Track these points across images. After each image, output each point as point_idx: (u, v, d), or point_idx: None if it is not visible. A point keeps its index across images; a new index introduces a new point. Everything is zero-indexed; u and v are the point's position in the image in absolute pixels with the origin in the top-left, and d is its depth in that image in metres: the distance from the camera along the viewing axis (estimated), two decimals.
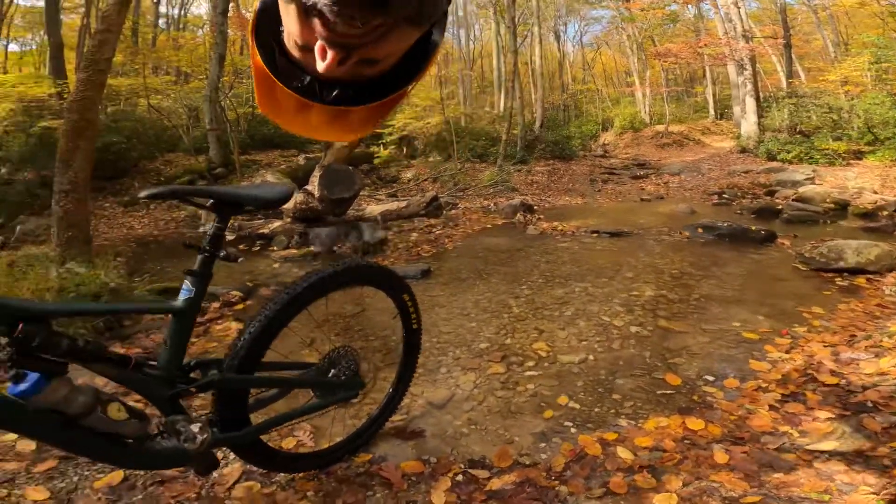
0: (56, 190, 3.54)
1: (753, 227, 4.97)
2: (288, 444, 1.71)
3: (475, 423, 1.87)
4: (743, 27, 12.93)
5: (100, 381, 1.47)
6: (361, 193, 9.14)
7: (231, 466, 1.52)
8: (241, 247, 5.61)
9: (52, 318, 0.91)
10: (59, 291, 2.56)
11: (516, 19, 12.13)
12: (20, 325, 0.83)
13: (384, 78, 0.44)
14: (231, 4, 12.40)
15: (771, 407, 1.87)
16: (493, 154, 10.71)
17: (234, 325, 2.99)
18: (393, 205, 5.94)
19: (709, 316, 2.89)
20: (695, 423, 1.80)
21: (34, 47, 19.00)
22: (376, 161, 10.65)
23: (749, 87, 12.67)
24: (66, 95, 8.81)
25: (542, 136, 12.60)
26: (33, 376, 0.85)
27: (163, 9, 19.62)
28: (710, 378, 2.16)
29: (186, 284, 1.15)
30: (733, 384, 2.11)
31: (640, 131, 17.56)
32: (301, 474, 1.52)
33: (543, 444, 1.74)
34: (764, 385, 2.06)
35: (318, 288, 1.37)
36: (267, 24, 0.45)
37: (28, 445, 1.60)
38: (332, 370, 1.51)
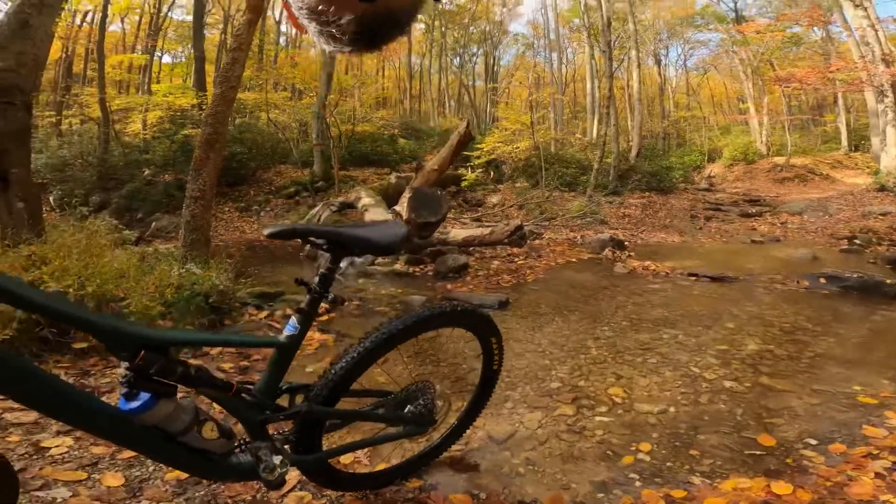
0: (187, 195, 4.08)
1: (889, 280, 4.27)
2: (345, 459, 1.76)
3: (533, 463, 1.80)
4: (882, 50, 11.40)
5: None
6: (447, 216, 9.37)
7: (288, 475, 1.59)
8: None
9: (171, 346, 1.00)
10: (178, 288, 2.93)
11: (612, 43, 11.79)
12: (142, 353, 0.91)
13: None
14: None
15: (877, 475, 1.63)
16: (582, 183, 10.41)
17: (318, 336, 3.18)
18: (477, 231, 6.01)
19: (822, 376, 2.55)
20: (781, 488, 1.59)
21: (183, 59, 21.77)
22: (463, 184, 10.85)
23: (890, 115, 11.09)
24: (204, 107, 10.07)
25: (638, 166, 12.00)
26: (144, 396, 0.94)
27: (283, 27, 21.93)
28: (812, 441, 1.92)
29: (292, 321, 1.21)
30: (839, 449, 1.85)
31: (753, 163, 16.04)
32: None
33: (602, 495, 1.62)
34: (875, 452, 1.79)
35: (413, 329, 1.41)
36: None
37: None
38: (409, 405, 1.52)
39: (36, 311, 0.96)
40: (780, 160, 15.30)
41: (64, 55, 15.67)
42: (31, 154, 3.52)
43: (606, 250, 6.10)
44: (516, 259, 5.78)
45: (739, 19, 18.35)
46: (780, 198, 11.76)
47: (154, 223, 8.84)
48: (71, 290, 2.50)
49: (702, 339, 3.14)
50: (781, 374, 2.59)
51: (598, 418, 2.14)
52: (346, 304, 3.98)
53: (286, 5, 0.51)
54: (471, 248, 6.06)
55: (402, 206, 5.48)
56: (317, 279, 1.21)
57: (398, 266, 5.31)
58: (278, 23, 20.81)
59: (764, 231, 8.36)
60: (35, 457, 1.67)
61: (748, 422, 2.09)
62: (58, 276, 2.56)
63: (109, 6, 13.06)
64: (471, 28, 24.27)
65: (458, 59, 25.76)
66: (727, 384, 2.46)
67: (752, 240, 7.56)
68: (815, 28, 15.88)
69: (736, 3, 19.05)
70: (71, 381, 2.26)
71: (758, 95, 18.45)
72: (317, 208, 8.28)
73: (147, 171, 10.32)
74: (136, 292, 2.73)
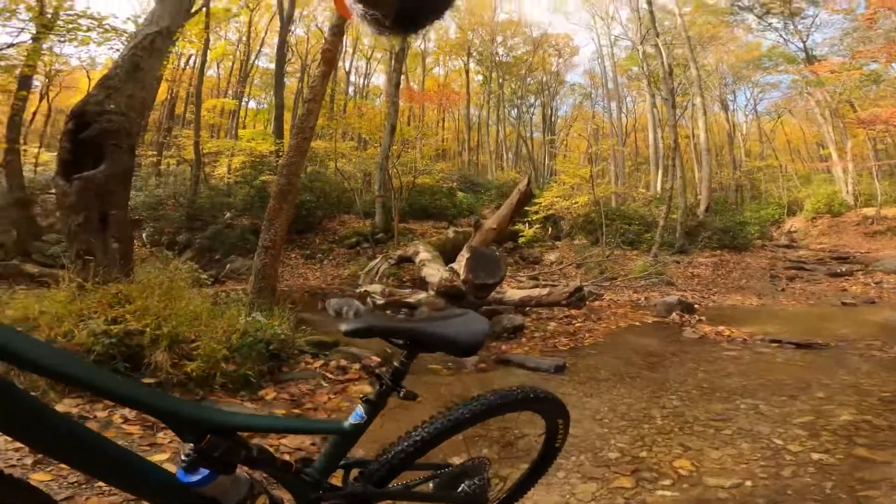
0: (259, 244, 4.34)
1: None
2: None
3: None
4: None
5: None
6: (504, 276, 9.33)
7: None
8: (387, 313, 6.06)
9: (237, 431, 1.02)
10: (242, 334, 3.07)
11: (674, 90, 11.55)
12: (208, 437, 0.94)
13: None
14: (402, 77, 14.14)
15: None
16: (646, 241, 10.01)
17: (369, 389, 3.19)
18: (534, 291, 5.91)
19: None
20: None
21: (265, 106, 23.51)
22: (521, 240, 10.79)
23: None
24: (281, 154, 10.55)
25: (708, 222, 11.38)
26: (204, 471, 0.96)
27: (352, 77, 23.55)
28: None
29: (359, 410, 1.20)
30: None
31: (840, 216, 14.76)
32: None
33: None
34: None
35: (481, 416, 1.37)
36: None
37: None
38: (463, 482, 1.44)
39: (92, 392, 0.95)
40: (869, 212, 13.98)
41: (168, 97, 17.49)
42: (129, 196, 3.72)
43: (674, 314, 5.79)
44: (574, 321, 5.60)
45: (810, 59, 17.45)
46: (871, 254, 10.67)
47: (229, 265, 9.50)
48: (148, 329, 2.71)
49: (786, 409, 2.83)
50: (881, 445, 2.30)
51: (660, 492, 1.96)
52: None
53: None
54: (527, 308, 5.94)
55: (460, 265, 5.52)
56: (389, 372, 1.21)
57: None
58: (348, 73, 22.47)
59: (856, 292, 7.54)
60: (84, 486, 1.75)
61: (839, 495, 1.87)
62: (139, 316, 2.79)
63: (208, 52, 14.49)
64: (528, 79, 24.66)
65: (515, 110, 26.02)
66: (815, 456, 2.21)
67: (842, 302, 6.84)
68: (894, 64, 14.84)
69: (805, 43, 18.22)
70: (133, 414, 2.38)
71: (840, 139, 17.12)
72: (376, 261, 8.56)
73: (228, 214, 11.13)
74: (206, 335, 2.90)
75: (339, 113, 17.57)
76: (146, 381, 2.61)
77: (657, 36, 11.61)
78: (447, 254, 9.35)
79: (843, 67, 15.02)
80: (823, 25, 20.65)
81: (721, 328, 5.05)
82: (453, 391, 3.30)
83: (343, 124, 15.01)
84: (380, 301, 6.71)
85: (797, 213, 16.41)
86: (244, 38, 19.19)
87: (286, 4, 13.80)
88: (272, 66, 16.43)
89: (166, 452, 2.07)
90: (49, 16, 8.36)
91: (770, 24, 18.73)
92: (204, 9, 12.63)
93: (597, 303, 6.88)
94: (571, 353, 4.27)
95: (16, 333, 0.81)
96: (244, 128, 17.97)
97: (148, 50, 3.75)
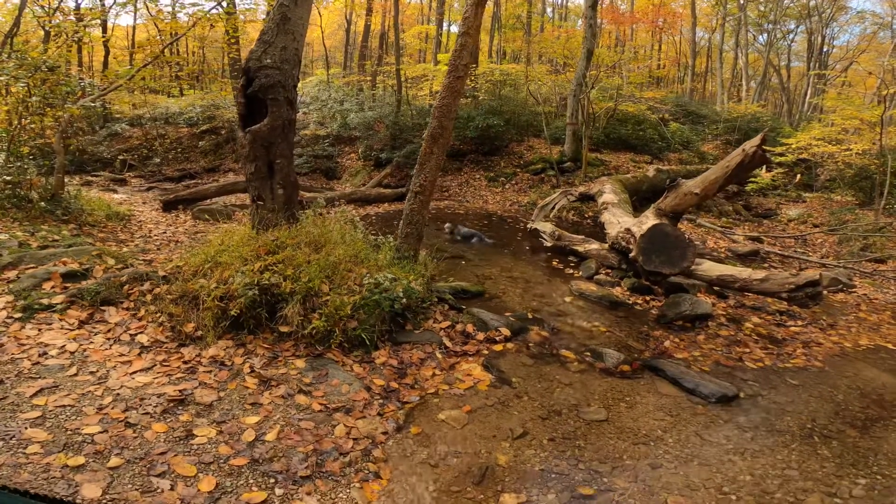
0: (410, 189, 4.24)
1: None
2: None
3: None
4: None
5: None
6: (711, 225, 7.52)
7: None
8: (554, 262, 5.55)
9: None
10: (371, 289, 3.08)
11: None
12: None
13: None
14: None
15: None
16: None
17: (477, 372, 2.95)
18: (741, 271, 4.38)
19: None
20: None
21: None
22: (750, 186, 8.46)
23: None
24: (470, 81, 10.30)
25: None
26: None
27: None
28: None
29: None
30: None
31: None
32: None
33: None
34: None
35: None
36: None
37: None
38: None
39: None
40: None
41: (381, 27, 18.76)
42: (293, 146, 3.88)
43: None
44: (790, 321, 4.20)
45: None
46: None
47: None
48: (287, 282, 2.92)
49: None
50: None
51: None
52: (532, 331, 3.60)
53: None
54: (726, 290, 4.64)
55: (641, 227, 4.48)
56: None
57: (618, 291, 4.53)
58: None
59: None
60: (181, 442, 2.00)
61: None
62: (284, 266, 3.02)
63: None
64: (787, 0, 18.78)
65: (764, 35, 20.51)
66: None
67: None
68: None
69: None
70: (261, 362, 2.68)
71: None
72: (554, 195, 7.84)
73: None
74: (337, 290, 3.02)
75: (535, 35, 16.19)
76: (282, 328, 2.89)
77: None
78: (642, 195, 8.05)
79: None
80: None
81: None
82: (570, 399, 2.77)
83: (538, 48, 13.72)
84: (547, 243, 6.18)
85: None
86: None
87: None
88: None
89: None
90: None
91: None
92: None
93: (839, 296, 5.07)
94: (759, 377, 3.18)
95: None
96: (445, 52, 18.25)
97: None
